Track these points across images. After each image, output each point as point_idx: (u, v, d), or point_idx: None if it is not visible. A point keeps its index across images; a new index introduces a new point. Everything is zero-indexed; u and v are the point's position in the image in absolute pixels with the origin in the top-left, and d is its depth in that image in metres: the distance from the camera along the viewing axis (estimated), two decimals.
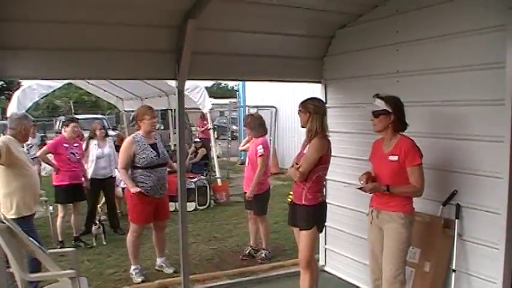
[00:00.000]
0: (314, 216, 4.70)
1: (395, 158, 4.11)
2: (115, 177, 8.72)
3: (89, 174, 8.31)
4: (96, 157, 8.43)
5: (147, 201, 6.17)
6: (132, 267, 6.39)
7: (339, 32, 5.83)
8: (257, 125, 7.16)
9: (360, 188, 4.33)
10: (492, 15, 3.91)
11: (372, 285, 4.46)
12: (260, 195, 6.96)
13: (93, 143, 8.57)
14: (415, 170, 4.05)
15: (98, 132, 8.66)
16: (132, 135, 6.43)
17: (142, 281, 6.23)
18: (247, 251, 7.29)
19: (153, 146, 6.31)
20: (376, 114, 4.20)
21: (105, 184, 8.58)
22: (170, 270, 6.57)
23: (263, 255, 7.07)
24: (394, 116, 4.14)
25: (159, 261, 6.72)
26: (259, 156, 6.86)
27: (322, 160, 4.60)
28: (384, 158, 4.21)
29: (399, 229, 4.10)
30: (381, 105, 4.15)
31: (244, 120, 7.58)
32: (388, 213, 4.18)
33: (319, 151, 4.57)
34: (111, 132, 19.39)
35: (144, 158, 6.16)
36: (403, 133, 4.21)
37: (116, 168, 7.82)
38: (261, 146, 6.90)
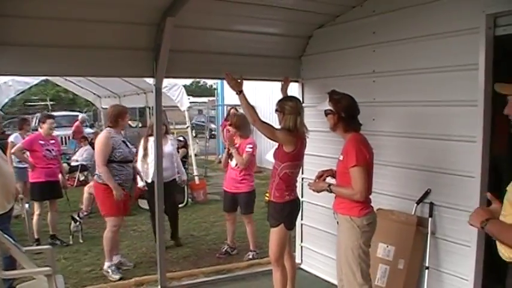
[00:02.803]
0: (281, 214, 4.67)
1: (341, 157, 4.08)
2: (183, 181, 8.31)
3: (149, 176, 7.27)
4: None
5: None
6: (107, 263, 6.39)
7: (317, 32, 5.88)
8: (243, 124, 6.90)
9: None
10: (466, 18, 3.99)
11: (338, 284, 4.41)
12: (248, 194, 6.93)
13: (152, 140, 7.47)
14: (352, 172, 3.91)
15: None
16: (106, 130, 6.50)
17: (120, 278, 6.22)
18: (224, 249, 7.29)
19: (124, 142, 6.53)
20: (324, 113, 4.17)
21: (167, 188, 6.67)
22: (131, 265, 6.73)
23: (250, 256, 7.02)
24: (337, 115, 4.08)
25: (116, 258, 6.66)
26: (246, 151, 6.79)
27: (289, 157, 4.58)
28: (339, 157, 4.19)
29: (345, 233, 4.06)
30: (325, 104, 4.13)
31: (229, 119, 7.29)
32: (339, 216, 4.14)
33: (280, 134, 4.57)
34: (88, 130, 19.37)
35: (120, 152, 6.30)
36: (361, 132, 4.14)
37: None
38: (250, 145, 6.82)
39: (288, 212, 4.71)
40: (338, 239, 4.23)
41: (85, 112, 28.67)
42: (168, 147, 7.63)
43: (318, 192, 4.32)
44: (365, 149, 4.00)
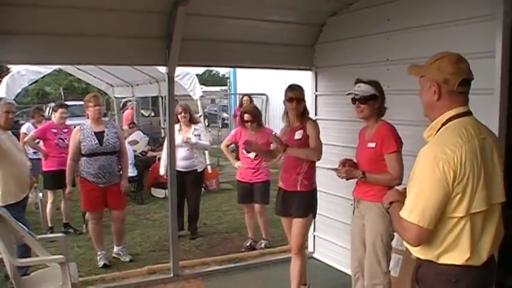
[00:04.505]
0: (311, 203, 4.69)
1: (373, 144, 4.04)
2: (201, 171, 7.84)
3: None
4: (176, 146, 6.99)
5: (91, 188, 6.26)
6: (98, 252, 6.47)
7: (330, 20, 5.82)
8: (259, 114, 6.99)
9: (336, 170, 4.25)
10: (483, 5, 3.92)
11: (352, 276, 4.38)
12: (265, 183, 6.88)
13: (177, 128, 7.21)
14: (392, 157, 3.94)
15: (179, 117, 7.43)
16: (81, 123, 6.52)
17: (105, 265, 6.29)
18: (248, 243, 7.09)
19: (98, 134, 6.29)
20: (364, 99, 4.07)
21: (185, 179, 7.35)
22: (127, 259, 6.59)
23: (262, 245, 6.99)
24: (380, 100, 4.09)
25: (116, 249, 6.71)
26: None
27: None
28: (364, 144, 4.14)
29: (378, 220, 4.01)
30: (369, 89, 4.06)
31: (251, 113, 6.93)
32: (367, 204, 4.09)
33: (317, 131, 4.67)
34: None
35: (84, 145, 6.22)
36: (384, 119, 4.16)
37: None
38: (275, 132, 6.64)
39: (315, 200, 4.77)
40: (359, 228, 4.20)
41: None
42: (190, 136, 7.49)
43: (347, 179, 4.22)
44: (398, 135, 4.06)
